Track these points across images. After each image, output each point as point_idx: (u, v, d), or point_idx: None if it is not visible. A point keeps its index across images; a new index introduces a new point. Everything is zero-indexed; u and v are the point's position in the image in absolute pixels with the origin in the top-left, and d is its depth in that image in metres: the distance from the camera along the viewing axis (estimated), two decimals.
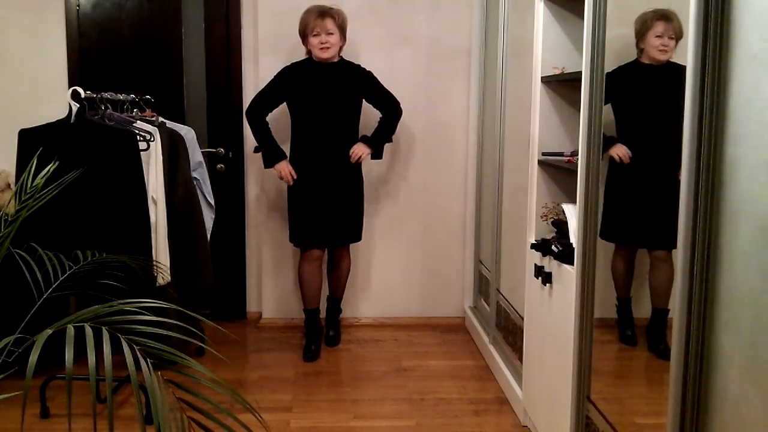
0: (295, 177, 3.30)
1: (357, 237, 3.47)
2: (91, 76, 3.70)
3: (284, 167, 3.31)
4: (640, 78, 1.84)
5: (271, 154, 3.34)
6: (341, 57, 3.36)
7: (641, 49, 1.79)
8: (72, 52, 3.70)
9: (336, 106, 3.29)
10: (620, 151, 1.91)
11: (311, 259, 3.41)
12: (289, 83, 3.32)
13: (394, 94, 3.45)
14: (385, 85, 3.41)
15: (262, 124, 3.36)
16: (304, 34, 3.29)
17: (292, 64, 3.38)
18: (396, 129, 3.45)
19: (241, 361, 3.41)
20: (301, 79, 3.30)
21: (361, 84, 3.35)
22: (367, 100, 3.40)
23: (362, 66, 3.41)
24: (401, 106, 3.47)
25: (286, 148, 3.42)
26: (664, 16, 1.51)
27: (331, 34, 3.24)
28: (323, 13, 3.25)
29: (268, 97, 3.37)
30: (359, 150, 3.32)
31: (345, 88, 3.31)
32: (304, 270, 3.43)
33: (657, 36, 1.65)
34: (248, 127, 3.85)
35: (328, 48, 3.25)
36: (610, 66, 1.92)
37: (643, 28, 1.77)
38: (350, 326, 3.76)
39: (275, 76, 3.37)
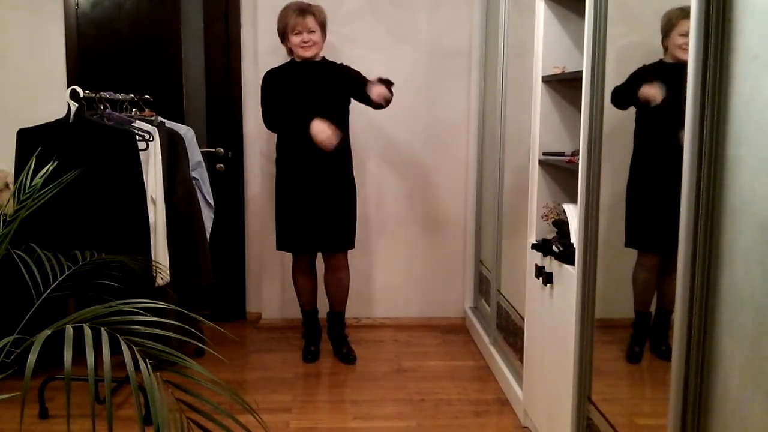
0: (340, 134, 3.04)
1: (348, 243, 3.33)
2: (90, 75, 3.69)
3: (319, 124, 2.98)
4: (665, 78, 1.79)
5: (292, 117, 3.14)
6: (324, 57, 3.28)
7: (666, 48, 1.76)
8: (71, 51, 3.70)
9: (323, 108, 3.16)
10: (653, 91, 1.81)
11: (302, 264, 3.38)
12: (275, 87, 3.23)
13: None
14: None
15: (278, 120, 3.24)
16: (284, 34, 3.19)
17: (274, 68, 3.29)
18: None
19: (240, 361, 3.40)
20: (286, 83, 3.22)
21: (346, 82, 3.22)
22: (355, 98, 3.23)
23: (345, 64, 3.29)
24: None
25: (273, 152, 3.37)
26: (690, 14, 1.47)
27: (313, 32, 3.15)
28: (303, 10, 3.15)
29: (270, 106, 3.24)
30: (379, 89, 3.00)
31: (331, 89, 3.21)
32: (297, 276, 3.41)
33: (681, 35, 1.61)
34: (248, 127, 3.87)
35: (310, 47, 3.16)
36: (615, 65, 1.91)
37: (667, 26, 1.73)
38: (350, 327, 3.75)
39: (263, 84, 3.28)
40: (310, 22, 3.15)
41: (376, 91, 2.99)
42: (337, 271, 3.37)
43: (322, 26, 3.21)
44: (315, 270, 3.44)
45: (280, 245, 3.35)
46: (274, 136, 3.35)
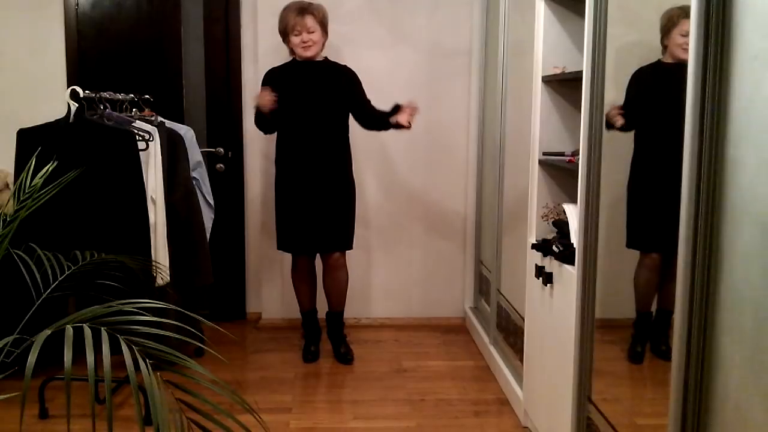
0: (274, 97, 3.09)
1: (346, 244, 3.33)
2: (90, 75, 3.69)
3: (263, 93, 3.10)
4: (665, 79, 1.79)
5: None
6: (326, 57, 3.29)
7: (665, 47, 1.76)
8: (71, 51, 3.70)
9: (323, 108, 3.20)
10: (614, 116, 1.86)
11: (302, 265, 3.38)
12: (275, 86, 3.21)
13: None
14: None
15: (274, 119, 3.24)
16: (285, 33, 3.20)
17: (275, 67, 3.30)
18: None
19: (240, 361, 3.40)
20: (286, 82, 3.22)
21: (346, 85, 3.25)
22: (354, 113, 3.28)
23: (348, 66, 3.31)
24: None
25: (273, 152, 3.36)
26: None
27: (312, 32, 3.16)
28: (303, 10, 3.16)
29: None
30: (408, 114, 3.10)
31: (331, 89, 3.22)
32: (296, 277, 3.42)
33: (682, 34, 1.60)
34: (248, 127, 3.87)
35: (310, 46, 3.17)
36: (615, 65, 1.91)
37: (668, 24, 1.72)
38: (350, 327, 3.75)
39: (263, 82, 3.29)
40: (309, 21, 3.15)
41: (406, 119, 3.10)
42: (335, 271, 3.36)
43: (322, 25, 3.21)
44: (314, 270, 3.44)
45: (280, 245, 3.35)
46: (275, 135, 3.34)
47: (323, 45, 3.25)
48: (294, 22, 3.15)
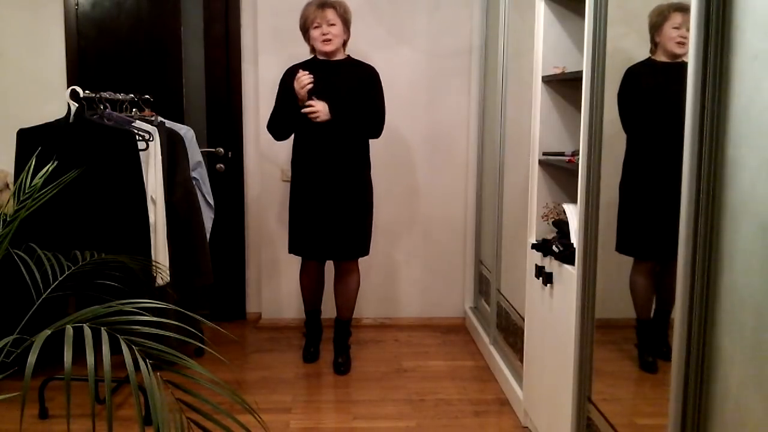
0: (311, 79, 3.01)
1: (362, 251, 3.26)
2: (90, 75, 3.70)
3: (303, 74, 3.01)
4: (657, 77, 1.78)
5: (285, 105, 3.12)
6: (348, 55, 3.22)
7: (656, 44, 1.74)
8: (71, 51, 3.70)
9: (342, 108, 3.09)
10: None
11: (311, 267, 3.32)
12: (292, 85, 3.10)
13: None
14: (384, 86, 3.30)
15: (287, 120, 3.18)
16: (305, 28, 3.13)
17: (295, 65, 3.20)
18: (367, 131, 3.19)
19: (240, 361, 3.40)
20: None
21: (366, 85, 3.16)
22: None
23: (372, 65, 3.23)
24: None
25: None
26: (681, 7, 1.42)
27: (333, 25, 3.07)
28: (324, 3, 3.08)
29: (284, 104, 3.16)
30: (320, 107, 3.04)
31: (352, 89, 3.13)
32: (303, 277, 3.36)
33: (674, 28, 1.59)
34: (248, 127, 3.87)
35: (330, 40, 3.08)
36: (612, 65, 1.91)
37: (659, 20, 1.70)
38: (351, 327, 3.74)
39: (280, 82, 3.21)
40: (330, 14, 3.08)
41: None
42: (345, 275, 3.31)
43: (344, 21, 3.12)
44: (323, 272, 3.39)
45: (292, 249, 3.28)
46: (280, 136, 3.28)
47: (345, 43, 3.18)
48: (314, 16, 3.07)
